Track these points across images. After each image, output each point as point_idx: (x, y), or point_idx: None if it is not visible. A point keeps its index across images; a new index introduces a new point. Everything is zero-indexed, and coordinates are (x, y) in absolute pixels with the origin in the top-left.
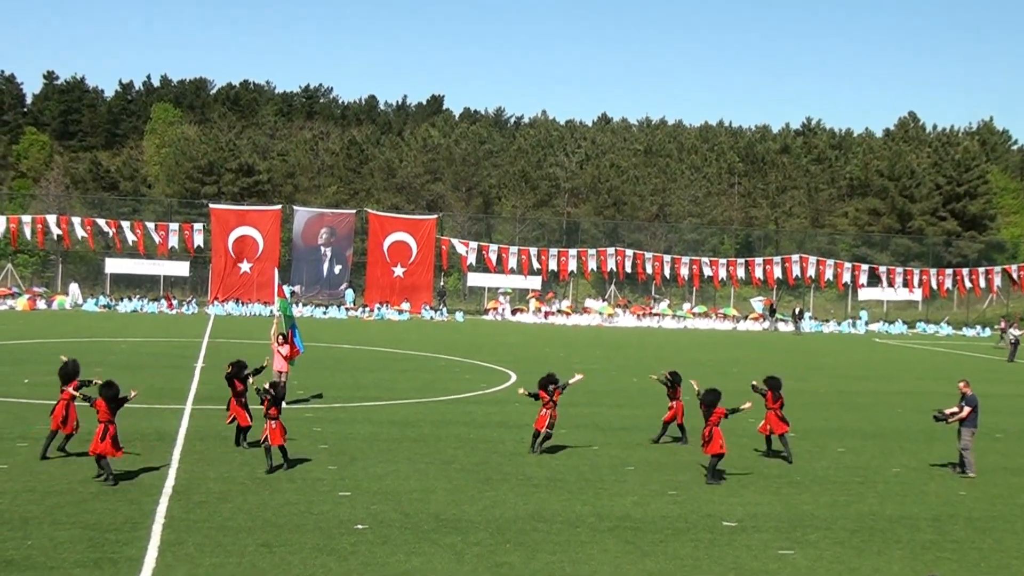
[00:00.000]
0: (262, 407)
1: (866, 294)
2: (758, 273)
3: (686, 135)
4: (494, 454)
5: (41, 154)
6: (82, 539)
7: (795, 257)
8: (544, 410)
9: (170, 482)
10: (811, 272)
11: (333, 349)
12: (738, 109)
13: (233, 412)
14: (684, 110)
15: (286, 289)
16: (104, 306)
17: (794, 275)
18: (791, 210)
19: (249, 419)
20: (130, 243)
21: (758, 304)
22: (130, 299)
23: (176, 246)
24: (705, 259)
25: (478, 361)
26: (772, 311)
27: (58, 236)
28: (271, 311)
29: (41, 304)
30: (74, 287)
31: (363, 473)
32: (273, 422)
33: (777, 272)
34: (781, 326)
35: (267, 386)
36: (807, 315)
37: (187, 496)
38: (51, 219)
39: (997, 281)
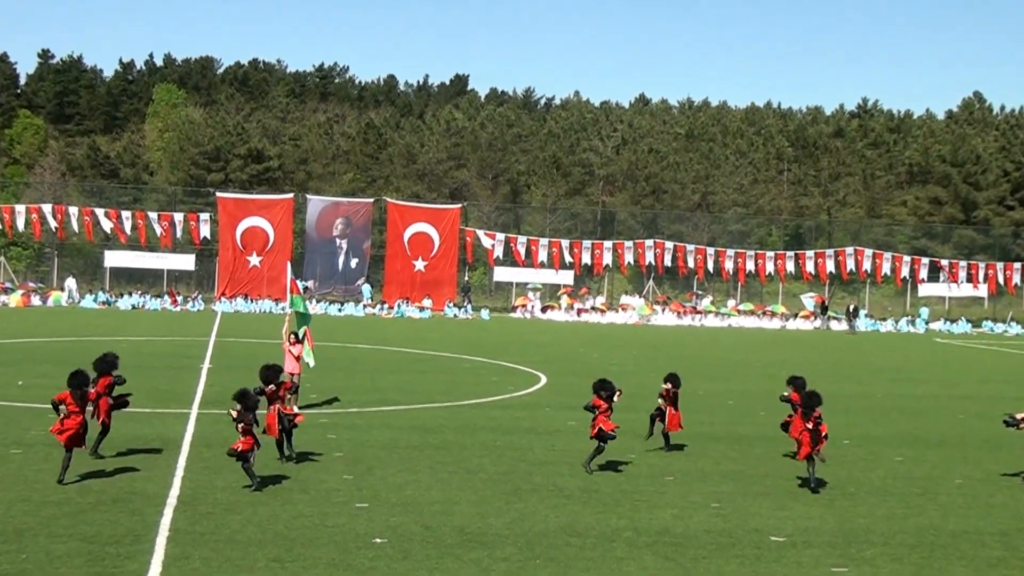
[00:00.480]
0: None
1: (926, 290)
2: (809, 267)
3: (731, 118)
4: (523, 463)
5: (35, 139)
6: (81, 553)
7: (849, 250)
8: (603, 416)
9: (175, 492)
10: (867, 266)
11: (349, 349)
12: (788, 89)
13: (267, 422)
14: (729, 90)
15: (299, 284)
16: (103, 302)
17: (848, 269)
18: (845, 199)
19: (278, 430)
20: (131, 235)
21: (809, 301)
22: (131, 295)
23: (180, 238)
24: (751, 252)
25: (505, 362)
26: (824, 308)
27: (54, 227)
28: (283, 308)
29: (36, 300)
30: (71, 282)
31: (381, 483)
32: (243, 436)
33: (830, 266)
34: (834, 325)
35: (234, 404)
36: (862, 313)
37: (193, 507)
38: (46, 209)
39: None
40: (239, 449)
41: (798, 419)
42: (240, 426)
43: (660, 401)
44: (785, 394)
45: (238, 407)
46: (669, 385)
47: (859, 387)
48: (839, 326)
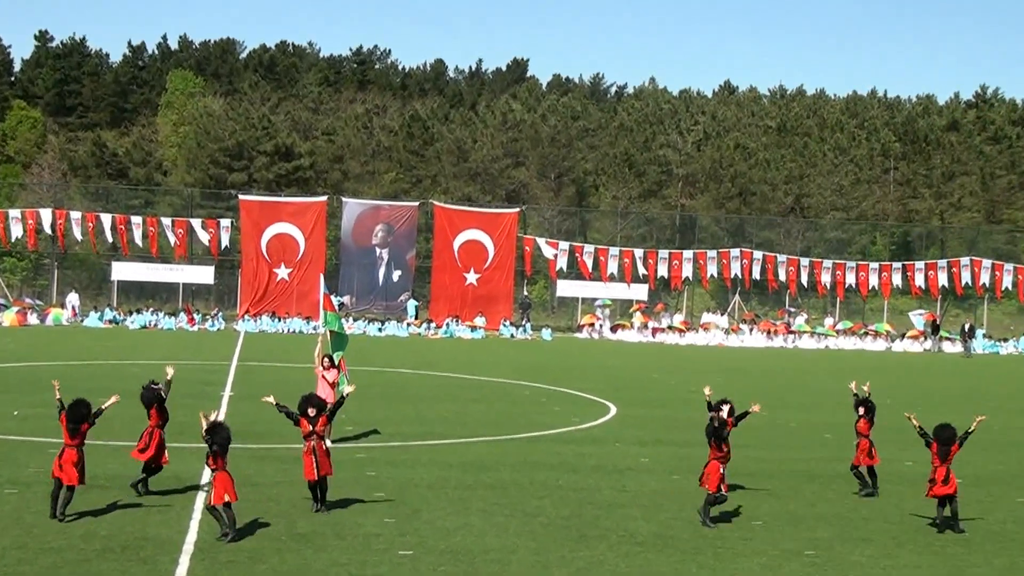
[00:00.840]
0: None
1: None
2: (918, 280)
3: (829, 108)
4: (589, 505)
5: (32, 134)
6: None
7: (965, 260)
8: (719, 463)
9: (191, 537)
10: (985, 279)
11: (390, 374)
12: (894, 76)
13: (304, 460)
14: (827, 77)
15: (334, 300)
16: (110, 321)
17: (963, 283)
18: (960, 202)
19: (315, 471)
20: (141, 244)
21: (918, 319)
22: (141, 312)
23: (199, 247)
24: (852, 263)
25: (569, 389)
26: (935, 328)
27: (53, 235)
28: (315, 327)
29: (33, 319)
30: (73, 297)
31: (428, 528)
32: (213, 475)
33: (942, 279)
34: (947, 346)
35: (204, 432)
36: (979, 333)
37: (212, 555)
38: (45, 214)
39: None
40: (220, 503)
41: (864, 444)
42: (208, 460)
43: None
44: (857, 394)
45: (206, 432)
46: (726, 412)
47: (975, 418)
48: (953, 348)
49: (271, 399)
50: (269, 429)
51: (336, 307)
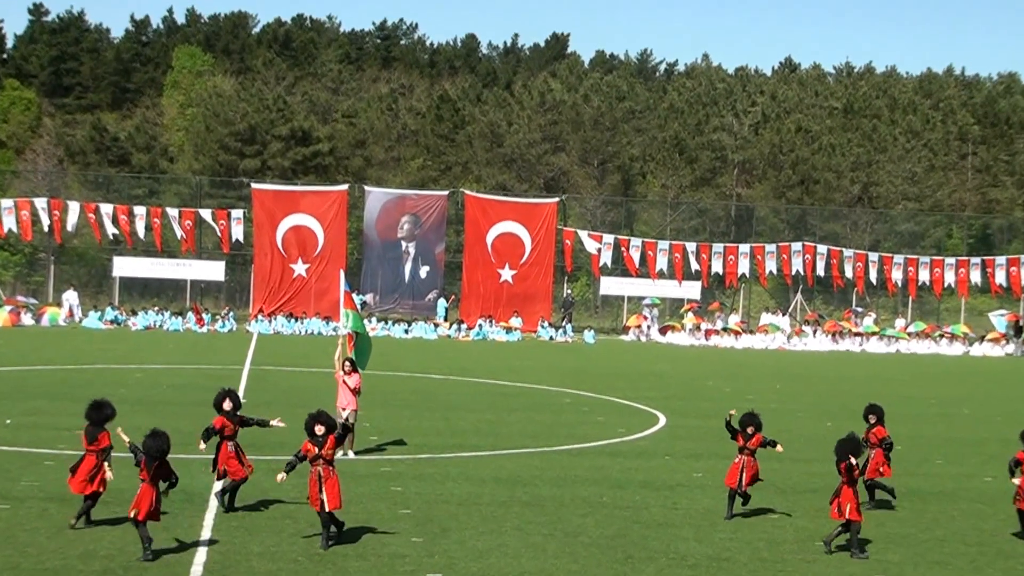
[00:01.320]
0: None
1: None
2: (999, 278)
3: (901, 88)
4: (636, 524)
5: (26, 116)
6: None
7: None
8: (851, 491)
9: (200, 558)
10: None
11: (418, 380)
12: (972, 52)
13: (310, 491)
14: (898, 54)
15: (356, 298)
16: (111, 321)
17: None
18: None
19: (324, 503)
20: (145, 237)
21: (999, 320)
22: (146, 312)
23: (207, 241)
24: (925, 258)
25: (614, 397)
26: (1019, 330)
27: (49, 227)
28: (335, 328)
29: (27, 319)
30: (71, 295)
31: (458, 548)
32: (140, 486)
33: None
34: None
35: (127, 443)
36: None
37: None
38: (39, 203)
39: None
40: (130, 516)
41: (879, 454)
42: (139, 473)
43: (745, 455)
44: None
45: (129, 444)
46: (752, 429)
47: None
48: None
49: (281, 477)
50: (286, 439)
51: (358, 306)
